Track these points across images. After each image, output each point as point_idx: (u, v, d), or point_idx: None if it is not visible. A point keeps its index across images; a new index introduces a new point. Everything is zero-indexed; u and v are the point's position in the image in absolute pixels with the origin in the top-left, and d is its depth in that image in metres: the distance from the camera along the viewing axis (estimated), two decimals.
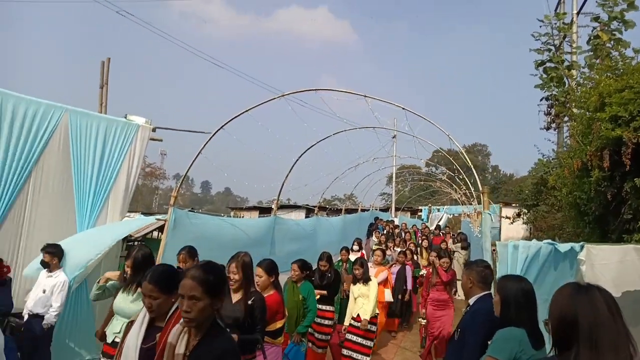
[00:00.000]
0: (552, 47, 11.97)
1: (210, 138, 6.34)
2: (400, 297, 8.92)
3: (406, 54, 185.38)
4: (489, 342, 2.68)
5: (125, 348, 2.74)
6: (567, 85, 10.90)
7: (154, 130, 7.72)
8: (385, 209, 28.52)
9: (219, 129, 6.39)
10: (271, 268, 4.51)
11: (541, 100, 12.23)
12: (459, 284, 8.05)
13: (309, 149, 8.86)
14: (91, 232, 6.29)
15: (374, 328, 6.49)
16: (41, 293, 5.03)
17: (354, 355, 6.31)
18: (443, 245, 12.10)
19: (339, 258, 8.48)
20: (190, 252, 5.05)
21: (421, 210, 30.92)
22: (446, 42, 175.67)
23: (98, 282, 4.38)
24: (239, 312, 3.68)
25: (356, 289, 6.53)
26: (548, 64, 11.58)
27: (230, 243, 6.40)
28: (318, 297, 6.35)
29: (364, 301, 6.41)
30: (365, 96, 7.00)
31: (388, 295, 7.88)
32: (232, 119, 6.45)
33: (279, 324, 4.51)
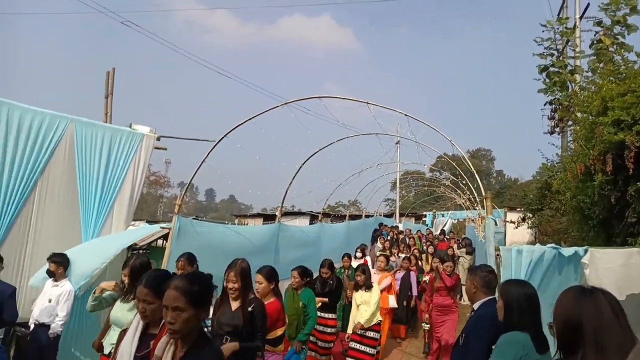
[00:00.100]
0: (555, 52, 12.00)
1: (214, 146, 6.38)
2: (405, 303, 8.89)
3: (409, 59, 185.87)
4: (493, 347, 2.68)
5: (119, 356, 2.71)
6: (570, 90, 10.91)
7: (158, 139, 7.77)
8: (390, 215, 28.49)
9: (223, 137, 6.43)
10: (271, 275, 4.46)
11: (545, 104, 12.28)
12: (464, 289, 8.04)
13: (312, 155, 8.90)
14: (96, 241, 6.33)
15: (377, 335, 6.42)
16: (47, 302, 5.04)
17: None
18: (450, 252, 12.07)
19: (341, 265, 8.47)
20: (190, 259, 5.05)
21: (425, 216, 30.88)
22: (448, 44, 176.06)
23: (94, 293, 4.37)
24: (238, 320, 3.65)
25: (358, 296, 6.47)
26: (551, 69, 11.61)
27: (235, 250, 6.41)
28: (320, 304, 6.33)
29: (366, 308, 6.34)
30: (368, 103, 7.04)
31: (392, 302, 7.81)
32: (236, 127, 6.49)
33: (279, 332, 4.48)
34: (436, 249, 12.74)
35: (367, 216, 17.58)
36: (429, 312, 7.42)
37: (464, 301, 10.33)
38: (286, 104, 6.96)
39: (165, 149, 8.54)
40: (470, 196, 14.21)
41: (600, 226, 5.55)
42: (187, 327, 2.14)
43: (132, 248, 8.65)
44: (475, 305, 3.45)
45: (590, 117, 5.78)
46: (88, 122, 6.88)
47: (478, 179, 6.96)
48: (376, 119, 7.81)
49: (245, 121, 6.58)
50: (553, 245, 4.34)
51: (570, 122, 10.33)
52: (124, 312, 3.75)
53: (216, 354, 2.26)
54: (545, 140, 12.28)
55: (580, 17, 11.76)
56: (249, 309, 3.71)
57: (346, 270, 8.28)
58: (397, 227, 18.61)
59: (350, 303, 7.00)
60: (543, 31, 12.05)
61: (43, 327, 5.00)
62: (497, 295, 3.40)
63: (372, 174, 14.70)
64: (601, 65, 8.83)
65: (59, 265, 5.17)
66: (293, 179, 8.92)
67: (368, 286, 6.44)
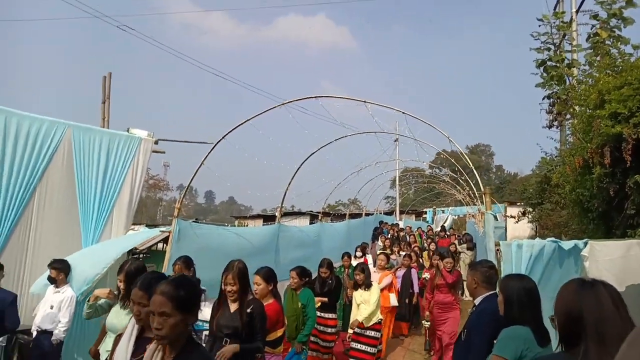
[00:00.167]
0: (552, 46, 11.99)
1: (213, 148, 6.38)
2: (407, 300, 8.89)
3: (406, 56, 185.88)
4: (495, 342, 2.69)
5: None
6: (568, 83, 10.91)
7: (156, 142, 7.77)
8: (390, 213, 28.50)
9: (221, 139, 6.43)
10: (269, 276, 4.44)
11: (543, 98, 12.25)
12: (465, 284, 8.02)
13: (310, 155, 8.90)
14: (97, 246, 6.33)
15: (378, 334, 6.39)
16: (49, 309, 5.04)
17: None
18: (452, 248, 12.08)
19: (341, 264, 8.47)
20: (186, 262, 5.03)
21: (426, 213, 30.93)
22: (445, 42, 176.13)
23: (88, 301, 4.34)
24: (238, 322, 3.63)
25: (358, 295, 6.44)
26: (548, 63, 11.60)
27: (235, 252, 6.40)
28: (319, 304, 6.31)
29: (365, 307, 6.31)
30: (365, 102, 7.04)
31: (393, 300, 7.79)
32: (234, 129, 6.49)
33: (278, 333, 4.46)
34: (437, 246, 12.75)
35: (367, 214, 17.59)
36: (430, 309, 7.40)
37: (465, 297, 10.34)
38: (283, 104, 6.97)
39: (164, 152, 8.55)
40: (470, 192, 14.24)
41: (600, 219, 5.55)
42: (174, 332, 2.11)
43: (132, 252, 8.65)
44: (477, 301, 3.45)
45: (587, 111, 5.79)
46: (86, 128, 6.89)
47: (477, 175, 6.96)
48: (374, 118, 7.82)
49: (242, 122, 6.59)
50: (553, 239, 4.35)
51: (568, 116, 10.33)
52: (119, 318, 3.71)
53: (205, 359, 2.24)
54: (544, 134, 12.27)
55: (577, 11, 11.74)
56: (248, 310, 3.69)
57: (346, 270, 8.27)
58: (397, 224, 18.62)
59: (350, 303, 6.99)
60: (540, 25, 12.03)
61: (45, 333, 5.00)
62: (498, 290, 3.42)
63: (371, 172, 14.73)
64: (598, 58, 8.83)
65: (60, 271, 5.17)
66: (292, 179, 8.93)
67: (367, 285, 6.40)
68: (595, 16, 10.70)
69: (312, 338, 6.12)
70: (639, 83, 4.61)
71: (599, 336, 1.73)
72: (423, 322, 8.02)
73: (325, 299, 6.48)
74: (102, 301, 4.32)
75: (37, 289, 5.39)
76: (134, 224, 8.16)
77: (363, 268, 6.58)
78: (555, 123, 11.74)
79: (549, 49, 11.82)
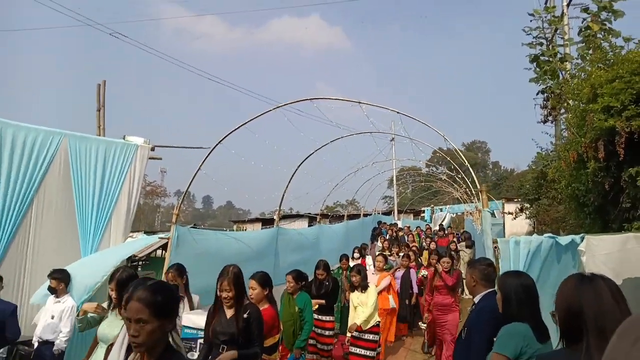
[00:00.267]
0: (544, 41, 12.05)
1: (209, 153, 6.40)
2: (407, 301, 8.87)
3: (400, 55, 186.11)
4: (495, 339, 2.70)
5: None
6: (561, 78, 10.96)
7: (152, 149, 7.77)
8: (388, 212, 28.51)
9: (217, 144, 6.45)
10: (265, 280, 4.37)
11: (537, 93, 12.31)
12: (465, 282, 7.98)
13: (307, 157, 8.93)
14: (96, 255, 6.32)
15: (376, 337, 6.33)
16: (50, 319, 5.03)
17: None
18: (452, 246, 12.08)
19: (338, 265, 8.46)
20: (179, 270, 5.01)
21: (424, 211, 30.95)
22: (439, 40, 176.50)
23: (77, 316, 4.31)
24: (234, 328, 3.57)
25: (355, 297, 6.40)
26: (541, 58, 11.65)
27: (235, 257, 6.42)
28: (317, 307, 6.26)
29: (363, 309, 6.26)
30: (360, 102, 7.07)
31: (392, 302, 7.72)
32: (230, 133, 6.51)
33: (274, 340, 4.41)
34: (438, 245, 12.73)
35: (365, 215, 17.61)
36: (430, 309, 7.30)
37: (466, 295, 10.35)
38: (278, 107, 6.99)
39: (160, 158, 8.57)
40: (467, 189, 14.27)
41: (596, 213, 5.58)
42: (151, 339, 2.06)
43: (131, 260, 8.64)
44: (476, 299, 3.47)
45: (580, 105, 5.82)
46: (81, 136, 6.88)
47: (472, 172, 6.99)
48: (369, 118, 7.86)
49: (238, 127, 6.60)
50: (550, 234, 4.36)
51: (562, 110, 10.38)
52: (111, 328, 3.66)
53: None
54: (539, 129, 12.35)
55: (568, 5, 11.79)
56: (245, 315, 3.63)
57: (344, 272, 8.25)
58: (396, 224, 18.64)
59: (348, 305, 6.95)
60: (531, 20, 12.11)
61: (47, 344, 4.98)
62: (496, 287, 3.43)
63: (368, 173, 14.78)
64: (590, 51, 8.88)
65: (60, 281, 5.16)
66: (289, 182, 8.95)
67: (363, 287, 6.35)
68: (585, 9, 10.78)
69: (310, 341, 6.06)
70: (630, 76, 4.64)
71: (599, 330, 1.74)
72: (420, 323, 7.98)
73: (323, 301, 6.42)
74: (90, 315, 4.27)
75: (37, 299, 5.38)
76: (132, 231, 8.14)
77: (359, 270, 6.53)
78: (550, 118, 11.79)
79: (541, 44, 11.89)
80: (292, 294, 5.59)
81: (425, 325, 7.43)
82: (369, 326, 6.22)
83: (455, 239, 14.23)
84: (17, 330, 4.80)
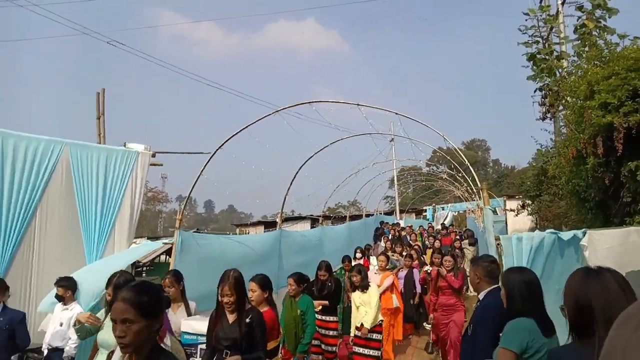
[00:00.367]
0: (540, 39, 12.10)
1: (210, 159, 6.41)
2: (412, 301, 8.88)
3: (400, 57, 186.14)
4: (501, 335, 2.73)
5: None
6: (558, 75, 11.01)
7: (153, 155, 7.81)
8: (390, 212, 28.55)
9: (218, 149, 6.47)
10: (265, 283, 4.37)
11: (535, 91, 12.35)
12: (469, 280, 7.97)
13: (307, 160, 8.96)
14: (101, 262, 6.36)
15: (380, 337, 6.35)
16: (58, 326, 5.07)
17: None
18: (457, 244, 12.10)
19: (341, 266, 8.47)
20: (176, 275, 5.01)
21: (426, 210, 30.96)
22: (436, 40, 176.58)
23: (74, 326, 4.30)
24: (237, 333, 3.54)
25: (357, 297, 6.41)
26: (538, 56, 11.70)
27: (239, 260, 6.44)
28: (320, 307, 6.28)
29: (366, 309, 6.27)
30: (358, 104, 7.10)
31: (395, 301, 7.72)
32: (230, 138, 6.53)
33: (275, 343, 4.40)
34: (442, 244, 12.72)
35: (367, 215, 17.64)
36: (434, 311, 7.23)
37: (470, 292, 10.38)
38: (277, 111, 7.01)
39: (161, 164, 8.59)
40: (468, 188, 14.29)
41: (597, 208, 5.61)
42: (138, 339, 2.05)
43: (135, 265, 8.67)
44: (481, 296, 3.51)
45: (578, 102, 5.86)
46: (82, 145, 6.93)
47: (472, 171, 7.02)
48: (368, 120, 7.89)
49: (238, 132, 6.63)
50: (552, 230, 4.40)
51: (560, 107, 10.42)
52: (111, 334, 3.69)
53: None
54: (538, 126, 12.40)
55: (562, 3, 11.84)
56: (247, 319, 3.60)
57: (347, 273, 8.27)
58: (398, 224, 18.67)
59: (351, 305, 6.94)
60: (526, 20, 12.16)
61: (57, 351, 5.02)
62: (500, 283, 3.46)
63: (369, 173, 14.82)
64: (586, 49, 8.92)
65: (67, 288, 5.20)
66: (291, 184, 8.97)
67: (364, 286, 6.35)
68: (580, 7, 10.83)
69: (314, 342, 6.07)
70: (626, 72, 4.68)
71: (607, 322, 1.75)
72: (425, 324, 7.97)
73: (326, 302, 6.43)
74: (86, 325, 4.29)
75: (44, 307, 5.42)
76: (135, 237, 8.18)
77: (360, 269, 6.54)
78: (549, 115, 11.83)
79: (537, 42, 11.93)
80: (294, 297, 5.59)
81: (430, 325, 7.41)
82: (374, 325, 6.24)
83: (458, 237, 14.25)
84: (27, 338, 4.84)
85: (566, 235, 4.19)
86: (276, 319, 4.45)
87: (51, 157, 6.44)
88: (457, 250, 11.14)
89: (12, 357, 4.88)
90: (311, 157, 8.95)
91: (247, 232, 29.29)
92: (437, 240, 12.92)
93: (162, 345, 2.24)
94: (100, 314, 4.26)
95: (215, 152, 6.46)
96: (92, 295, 5.39)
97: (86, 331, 4.24)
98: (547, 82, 11.53)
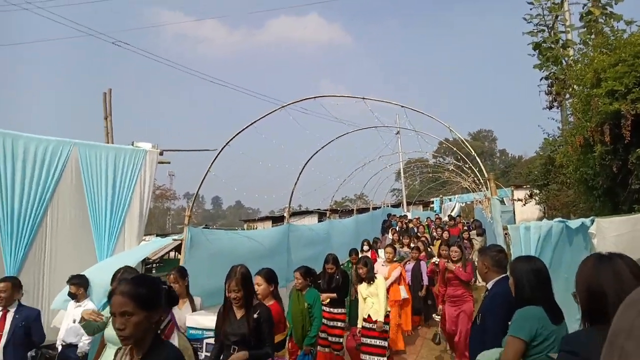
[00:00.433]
0: (545, 28, 12.00)
1: (217, 155, 6.44)
2: (419, 293, 8.88)
3: (401, 48, 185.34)
4: (510, 323, 2.75)
5: None
6: (564, 64, 10.93)
7: (161, 153, 7.88)
8: (397, 205, 28.51)
9: (225, 146, 6.49)
10: (270, 277, 4.39)
11: (541, 80, 12.27)
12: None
13: (314, 155, 8.97)
14: (112, 259, 6.43)
15: (387, 327, 6.33)
16: (72, 323, 5.15)
17: (369, 358, 6.23)
18: (465, 235, 12.09)
19: (348, 259, 8.49)
20: (181, 272, 5.04)
21: (433, 202, 30.91)
22: (440, 32, 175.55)
23: (80, 322, 4.31)
24: (245, 328, 3.53)
25: (363, 289, 6.41)
26: (543, 45, 11.62)
27: (248, 255, 6.49)
28: (328, 300, 6.32)
29: (373, 300, 6.27)
30: (364, 98, 7.10)
31: (403, 293, 7.72)
32: (237, 135, 6.55)
33: (282, 336, 4.41)
34: (450, 235, 12.70)
35: (374, 208, 17.65)
36: (443, 302, 7.20)
37: (479, 282, 10.37)
38: (283, 107, 7.02)
39: (169, 162, 8.66)
40: (475, 178, 14.26)
41: (606, 196, 5.60)
42: (138, 331, 2.06)
43: (145, 262, 8.75)
44: (489, 285, 3.52)
45: (585, 90, 5.83)
46: (91, 144, 7.00)
47: (479, 161, 7.00)
48: (373, 113, 7.90)
49: (244, 128, 6.65)
50: (560, 219, 4.39)
51: (567, 96, 10.36)
52: None
53: (175, 354, 2.20)
54: (545, 115, 12.29)
55: None
56: (255, 315, 3.59)
57: (354, 266, 8.28)
58: (405, 216, 18.67)
59: (357, 298, 6.95)
60: (531, 9, 12.06)
61: (71, 347, 5.12)
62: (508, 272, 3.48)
63: (376, 166, 14.80)
64: (592, 36, 8.85)
65: (79, 286, 5.27)
66: (297, 179, 9.00)
67: (370, 278, 6.34)
68: None
69: (321, 334, 6.10)
70: (633, 59, 4.66)
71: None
72: (434, 315, 7.98)
73: (334, 295, 6.46)
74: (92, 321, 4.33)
75: (57, 305, 5.51)
76: (145, 235, 8.26)
77: (365, 261, 6.54)
78: (555, 104, 11.76)
79: (542, 31, 11.84)
80: (300, 291, 5.61)
81: (439, 317, 7.40)
82: (383, 317, 6.27)
83: (466, 228, 14.23)
84: (42, 334, 4.91)
85: (574, 223, 4.18)
86: (282, 313, 4.47)
87: (60, 157, 6.52)
88: (465, 241, 11.13)
89: (28, 353, 4.98)
90: (317, 151, 8.97)
91: (255, 227, 29.38)
92: (445, 232, 12.87)
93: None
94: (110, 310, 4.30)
95: (222, 148, 6.49)
96: (104, 292, 5.45)
97: (94, 327, 4.26)
98: (553, 70, 11.46)
